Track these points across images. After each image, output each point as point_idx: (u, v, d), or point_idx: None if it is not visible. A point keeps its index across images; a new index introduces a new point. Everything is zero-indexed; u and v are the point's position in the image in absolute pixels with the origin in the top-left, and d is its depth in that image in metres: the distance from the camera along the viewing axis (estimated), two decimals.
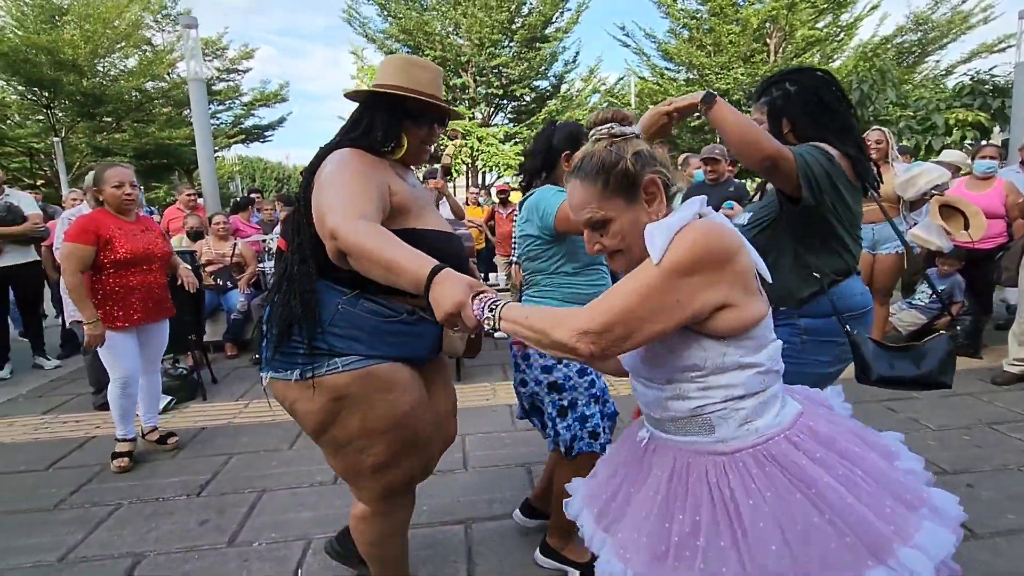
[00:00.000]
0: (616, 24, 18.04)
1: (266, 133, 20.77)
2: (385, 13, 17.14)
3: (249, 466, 2.87)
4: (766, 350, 1.00)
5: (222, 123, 18.75)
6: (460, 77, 17.06)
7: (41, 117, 15.43)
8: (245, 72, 19.48)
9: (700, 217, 0.97)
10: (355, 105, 1.53)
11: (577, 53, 19.26)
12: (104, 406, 3.65)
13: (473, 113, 17.51)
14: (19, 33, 14.01)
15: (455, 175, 14.35)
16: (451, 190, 7.08)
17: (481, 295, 1.01)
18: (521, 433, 3.15)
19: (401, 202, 1.43)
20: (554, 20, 17.87)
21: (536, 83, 18.95)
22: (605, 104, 19.55)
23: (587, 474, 1.28)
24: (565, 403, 1.85)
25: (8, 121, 15.02)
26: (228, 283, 4.86)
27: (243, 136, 19.65)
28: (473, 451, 2.95)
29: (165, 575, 2.04)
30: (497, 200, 6.83)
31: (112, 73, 15.89)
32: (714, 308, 0.93)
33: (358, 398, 1.39)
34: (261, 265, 5.23)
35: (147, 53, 16.57)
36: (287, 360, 1.39)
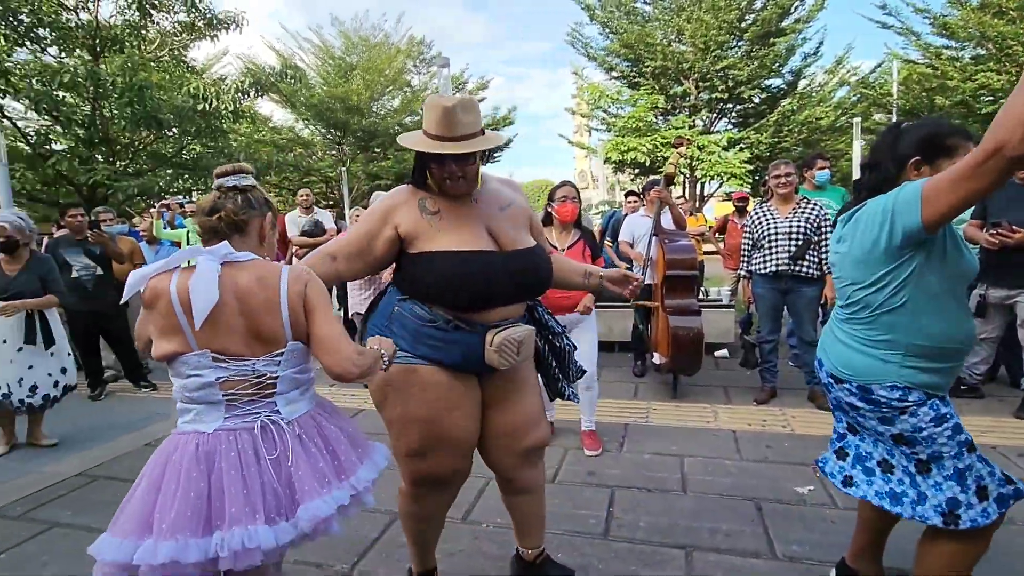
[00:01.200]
0: (873, 3, 15.42)
1: (495, 154, 22.99)
2: (607, 31, 17.52)
3: (476, 454, 3.16)
4: (181, 380, 1.33)
5: None
6: (681, 85, 16.49)
7: (333, 151, 19.57)
8: (481, 102, 21.90)
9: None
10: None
11: (820, 43, 17.01)
12: None
13: (694, 121, 16.74)
14: (324, 88, 18.06)
15: (676, 184, 13.89)
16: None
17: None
18: (749, 464, 2.87)
19: (407, 231, 1.64)
20: (792, 10, 16.11)
21: (767, 82, 17.28)
22: (856, 98, 16.83)
23: (985, 550, 1.12)
24: (924, 456, 1.51)
25: (313, 156, 19.41)
26: None
27: None
28: (692, 474, 2.79)
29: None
30: (734, 208, 6.28)
31: (382, 112, 19.37)
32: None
33: (400, 389, 1.63)
34: None
35: (407, 93, 19.80)
36: None
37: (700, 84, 16.43)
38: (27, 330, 3.51)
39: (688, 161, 15.42)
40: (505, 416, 1.78)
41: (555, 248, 3.11)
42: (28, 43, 10.14)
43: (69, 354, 3.76)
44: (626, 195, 6.00)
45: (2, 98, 10.47)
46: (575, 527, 2.36)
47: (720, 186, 17.81)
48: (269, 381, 1.35)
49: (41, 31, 10.08)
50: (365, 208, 5.76)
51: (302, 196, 5.89)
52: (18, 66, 10.14)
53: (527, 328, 1.69)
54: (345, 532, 2.35)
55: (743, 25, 15.79)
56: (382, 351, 1.46)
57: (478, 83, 21.78)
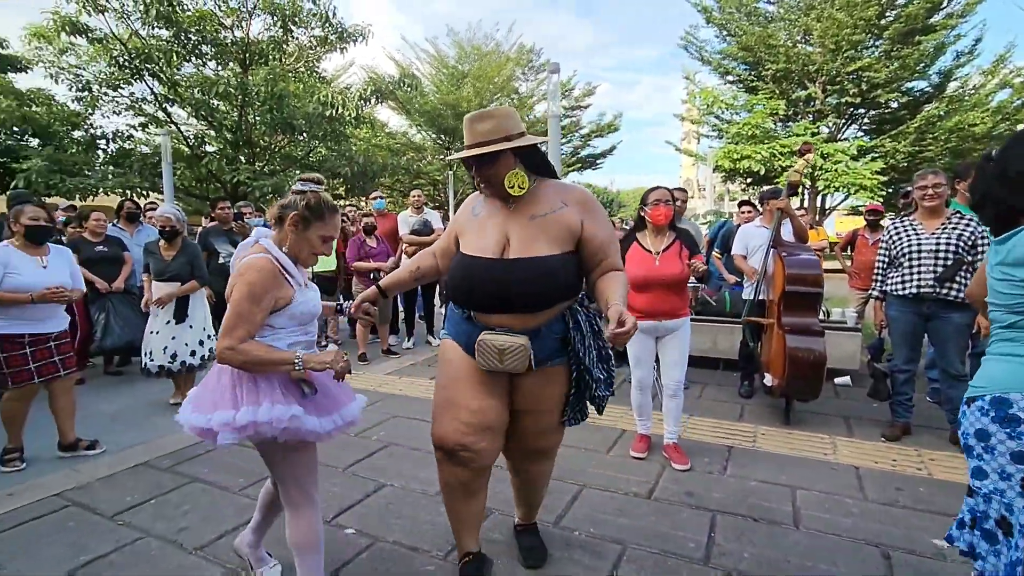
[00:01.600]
0: None
1: (598, 161, 22.79)
2: (724, 33, 16.73)
3: (570, 459, 3.12)
4: None
5: (563, 153, 21.41)
6: (805, 89, 15.33)
7: (442, 156, 20.46)
8: (586, 108, 21.83)
9: None
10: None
11: (978, 41, 15.05)
12: None
13: (818, 127, 15.46)
14: (437, 95, 18.96)
15: (798, 194, 12.86)
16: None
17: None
18: (875, 506, 2.57)
19: (458, 231, 1.95)
20: (943, 5, 14.38)
21: (909, 85, 15.56)
22: (1020, 101, 14.63)
23: None
24: None
25: (423, 160, 20.43)
26: None
27: (579, 164, 21.98)
28: (806, 509, 2.55)
29: (504, 535, 2.37)
30: (865, 222, 5.69)
31: None
32: None
33: (440, 360, 1.98)
34: None
35: (514, 100, 20.22)
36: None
37: (828, 88, 15.19)
38: (176, 309, 4.12)
39: (809, 170, 14.27)
40: (520, 421, 1.96)
41: (649, 252, 3.01)
42: (193, 58, 11.63)
43: (204, 329, 4.29)
44: (739, 205, 5.65)
45: (171, 106, 12.12)
46: (672, 548, 2.25)
47: (845, 199, 16.32)
48: None
49: (204, 48, 11.52)
50: None
51: (414, 197, 6.20)
52: (184, 79, 11.66)
53: (517, 340, 1.74)
54: (443, 523, 2.43)
55: (883, 23, 14.39)
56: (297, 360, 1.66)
57: (584, 89, 21.75)
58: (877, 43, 14.65)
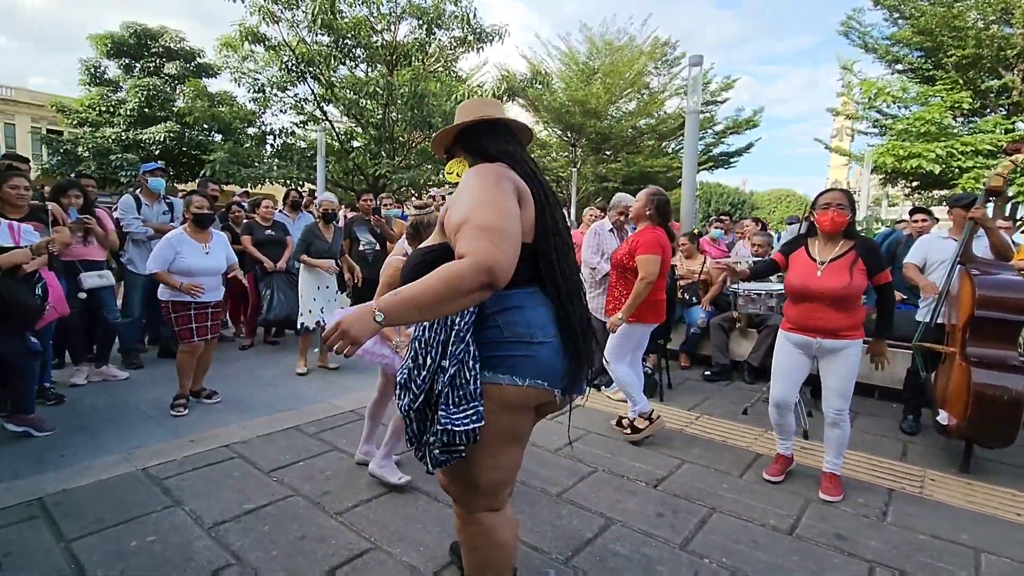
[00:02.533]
0: None
1: (732, 159, 21.31)
2: (895, 16, 14.70)
3: (700, 478, 2.92)
4: None
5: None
6: (1000, 77, 13.01)
7: (566, 153, 20.43)
8: (723, 103, 20.48)
9: None
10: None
11: None
12: (589, 383, 4.44)
13: (1013, 123, 13.05)
14: (565, 92, 18.93)
15: (997, 201, 10.89)
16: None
17: None
18: None
19: None
20: None
21: None
22: None
23: None
24: None
25: (548, 157, 20.54)
26: (693, 298, 5.15)
27: (711, 163, 20.74)
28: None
29: (627, 549, 2.27)
30: None
31: (617, 115, 19.51)
32: None
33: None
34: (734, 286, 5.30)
35: (644, 96, 19.56)
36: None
37: None
38: (339, 280, 5.08)
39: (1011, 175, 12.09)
40: None
41: (812, 261, 2.70)
42: (347, 61, 12.75)
43: (329, 301, 4.96)
44: (911, 212, 4.91)
45: (327, 105, 13.40)
46: None
47: None
48: None
49: (357, 51, 12.57)
50: (600, 208, 5.81)
51: None
52: (339, 80, 12.81)
53: None
54: (563, 526, 2.39)
55: None
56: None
57: (722, 83, 20.38)
58: None
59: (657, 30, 19.84)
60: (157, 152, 15.67)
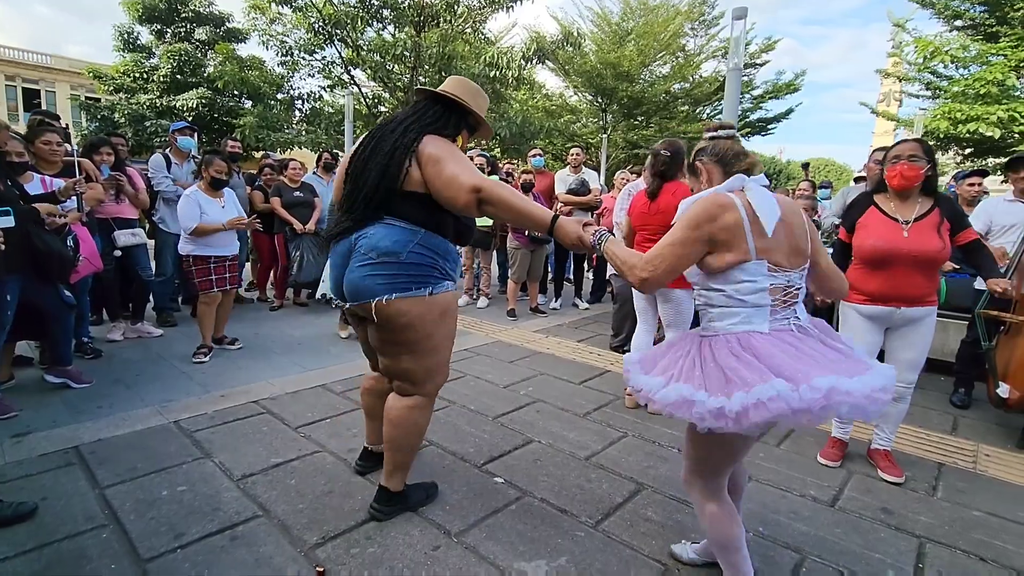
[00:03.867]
0: None
1: (769, 126, 20.41)
2: None
3: None
4: (734, 285, 1.47)
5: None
6: None
7: (596, 119, 19.85)
8: (762, 66, 19.52)
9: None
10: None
11: None
12: (617, 348, 4.32)
13: None
14: (597, 54, 18.26)
15: None
16: None
17: (588, 226, 1.71)
18: None
19: None
20: None
21: None
22: None
23: None
24: None
25: (578, 123, 20.01)
26: None
27: (748, 130, 19.91)
28: None
29: (659, 515, 2.19)
30: None
31: (650, 79, 18.78)
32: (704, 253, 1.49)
33: (451, 311, 1.97)
34: None
35: (679, 59, 18.74)
36: (420, 281, 1.84)
37: None
38: None
39: None
40: None
41: (895, 221, 2.39)
42: (375, 22, 12.49)
43: None
44: (967, 176, 4.51)
45: (354, 69, 13.23)
46: (866, 570, 1.90)
47: None
48: (795, 290, 1.53)
49: (384, 12, 12.29)
50: (632, 172, 5.60)
51: (573, 154, 6.01)
52: (366, 43, 12.59)
53: None
54: (592, 490, 2.33)
55: None
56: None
57: (762, 45, 19.39)
58: None
59: None
60: (190, 119, 15.81)
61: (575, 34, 13.53)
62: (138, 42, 18.23)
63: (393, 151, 1.81)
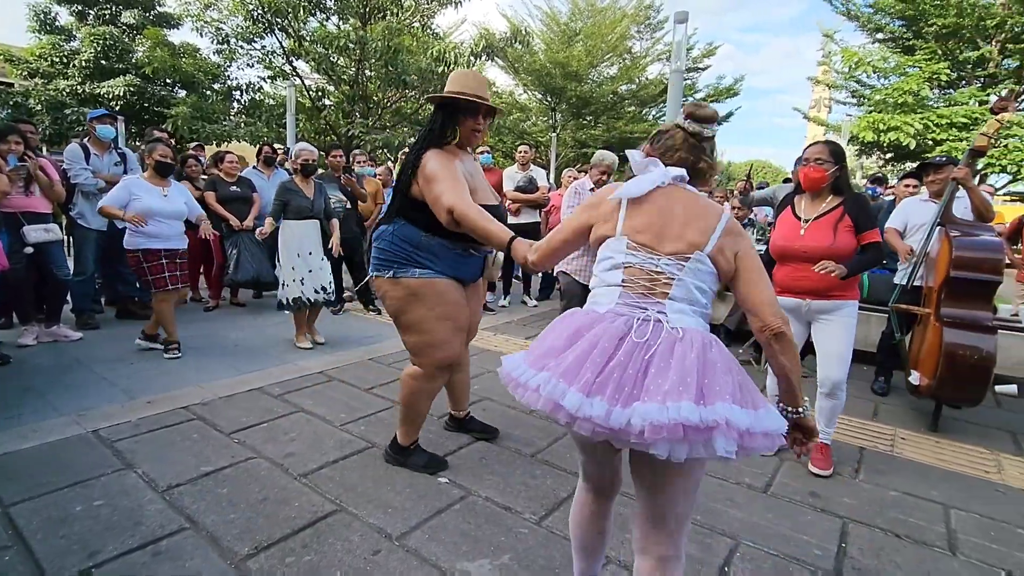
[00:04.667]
0: None
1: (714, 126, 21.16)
2: None
3: None
4: (600, 264, 1.40)
5: None
6: (977, 48, 13.03)
7: (546, 117, 20.01)
8: (704, 70, 20.23)
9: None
10: None
11: None
12: None
13: (987, 94, 13.17)
14: (546, 53, 18.40)
15: (979, 165, 10.96)
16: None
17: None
18: None
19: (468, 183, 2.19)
20: None
21: None
22: None
23: None
24: None
25: (527, 121, 20.10)
26: None
27: None
28: (964, 534, 2.15)
29: None
30: None
31: (598, 79, 19.10)
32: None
33: (423, 297, 2.22)
34: None
35: (626, 60, 19.15)
36: (386, 264, 2.24)
37: (1008, 47, 12.81)
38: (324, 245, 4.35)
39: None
40: (470, 313, 2.43)
41: (797, 219, 2.58)
42: (318, 12, 12.08)
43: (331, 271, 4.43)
44: (902, 178, 4.83)
45: (296, 60, 12.76)
46: (794, 552, 1.99)
47: (1012, 180, 13.93)
48: (665, 280, 1.29)
49: (328, 2, 11.90)
50: (580, 171, 5.66)
51: (522, 152, 6.02)
52: (309, 33, 12.17)
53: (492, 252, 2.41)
54: (537, 486, 2.33)
55: None
56: None
57: (704, 50, 20.10)
58: None
59: None
60: (117, 107, 14.79)
61: (524, 32, 13.56)
62: (56, 23, 16.87)
63: (405, 168, 2.25)
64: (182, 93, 13.64)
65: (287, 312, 4.25)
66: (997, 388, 3.83)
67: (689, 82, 19.82)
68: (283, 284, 4.13)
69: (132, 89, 13.82)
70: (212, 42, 12.22)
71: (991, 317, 3.06)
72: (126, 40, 15.01)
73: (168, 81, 14.01)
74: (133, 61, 14.10)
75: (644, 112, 20.09)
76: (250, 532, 1.94)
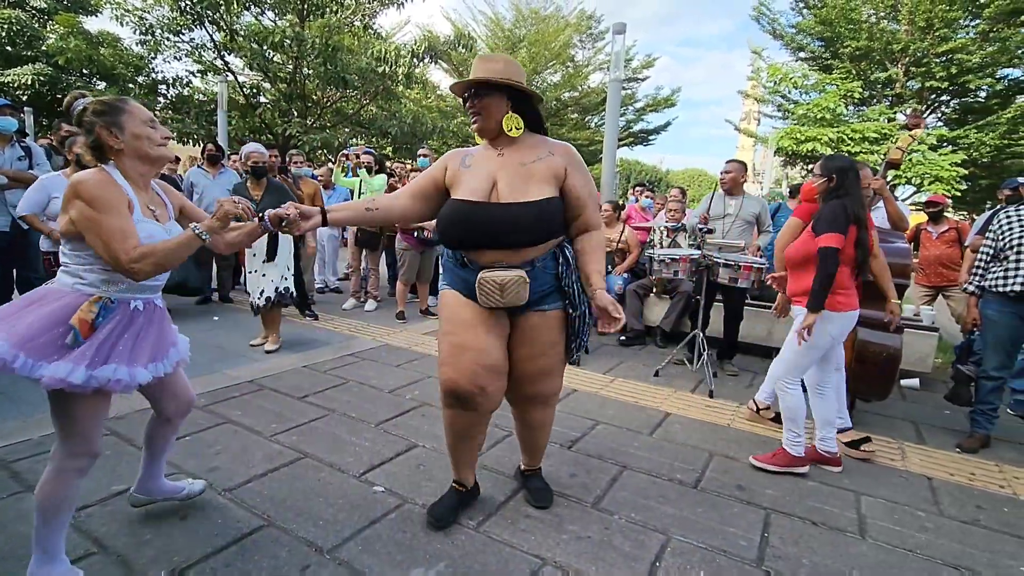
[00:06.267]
0: None
1: (650, 137, 21.95)
2: (800, 5, 15.59)
3: (612, 438, 2.95)
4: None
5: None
6: (886, 70, 14.18)
7: None
8: (643, 80, 20.94)
9: None
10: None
11: None
12: None
13: (895, 113, 14.36)
14: None
15: (893, 178, 11.82)
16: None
17: None
18: (953, 523, 2.31)
19: (449, 179, 1.98)
20: None
21: (1004, 71, 14.18)
22: None
23: None
24: None
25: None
26: (609, 267, 5.21)
27: (631, 140, 21.23)
28: (873, 518, 2.31)
29: (538, 511, 2.23)
30: (927, 216, 5.39)
31: (543, 87, 19.38)
32: None
33: (440, 308, 2.04)
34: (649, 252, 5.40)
35: (569, 68, 19.55)
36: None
37: (912, 70, 14.02)
38: (268, 248, 4.14)
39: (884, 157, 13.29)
40: (518, 364, 2.00)
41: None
42: (252, 6, 11.60)
43: (289, 267, 4.31)
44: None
45: (228, 55, 12.19)
46: (721, 544, 2.07)
47: (916, 192, 15.20)
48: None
49: None
50: None
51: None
52: (242, 28, 11.66)
53: (513, 273, 1.84)
54: (482, 493, 2.31)
55: (981, 0, 13.01)
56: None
57: (643, 61, 20.80)
58: (974, 22, 13.35)
59: (584, 2, 19.76)
60: (25, 97, 13.63)
61: (468, 36, 13.57)
62: None
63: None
64: (101, 85, 12.74)
65: (255, 316, 4.31)
66: (902, 382, 4.16)
67: (629, 92, 20.46)
68: (251, 292, 4.21)
69: (43, 79, 12.78)
70: (135, 32, 11.49)
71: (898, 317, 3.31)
72: (35, 25, 13.86)
73: (85, 72, 13.06)
74: (44, 48, 13.04)
75: (587, 120, 20.56)
76: (167, 554, 1.82)
